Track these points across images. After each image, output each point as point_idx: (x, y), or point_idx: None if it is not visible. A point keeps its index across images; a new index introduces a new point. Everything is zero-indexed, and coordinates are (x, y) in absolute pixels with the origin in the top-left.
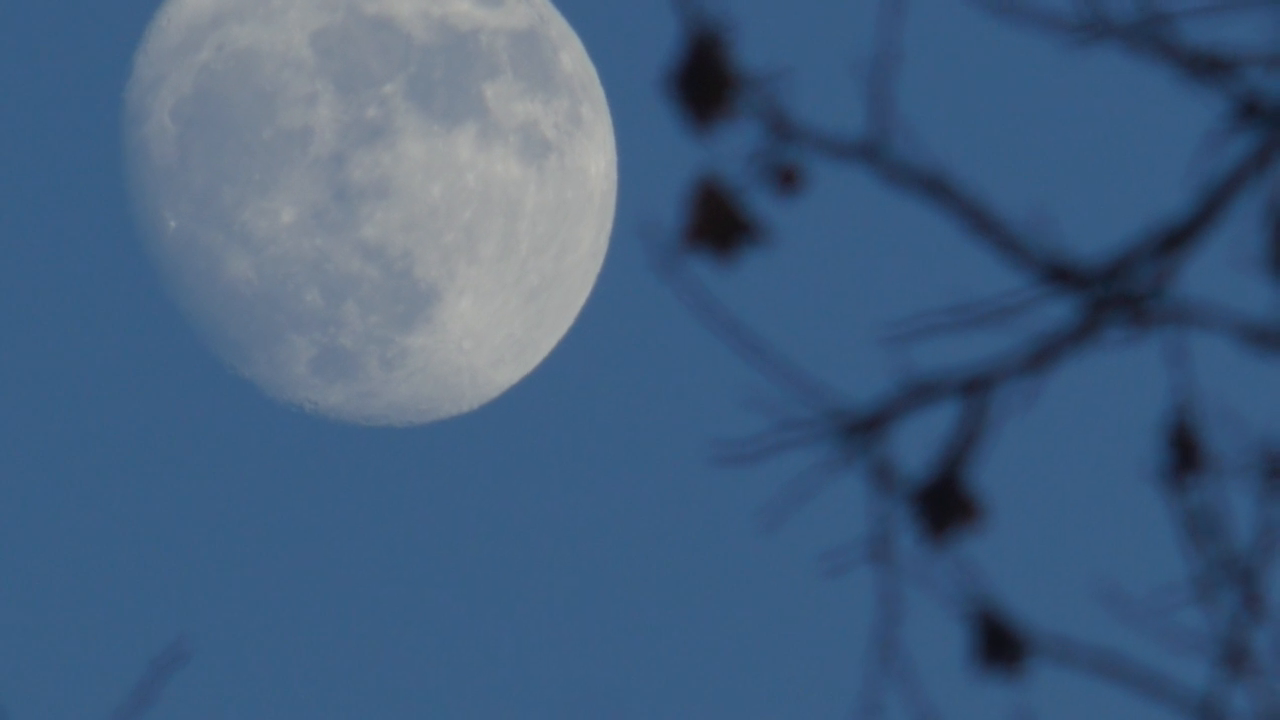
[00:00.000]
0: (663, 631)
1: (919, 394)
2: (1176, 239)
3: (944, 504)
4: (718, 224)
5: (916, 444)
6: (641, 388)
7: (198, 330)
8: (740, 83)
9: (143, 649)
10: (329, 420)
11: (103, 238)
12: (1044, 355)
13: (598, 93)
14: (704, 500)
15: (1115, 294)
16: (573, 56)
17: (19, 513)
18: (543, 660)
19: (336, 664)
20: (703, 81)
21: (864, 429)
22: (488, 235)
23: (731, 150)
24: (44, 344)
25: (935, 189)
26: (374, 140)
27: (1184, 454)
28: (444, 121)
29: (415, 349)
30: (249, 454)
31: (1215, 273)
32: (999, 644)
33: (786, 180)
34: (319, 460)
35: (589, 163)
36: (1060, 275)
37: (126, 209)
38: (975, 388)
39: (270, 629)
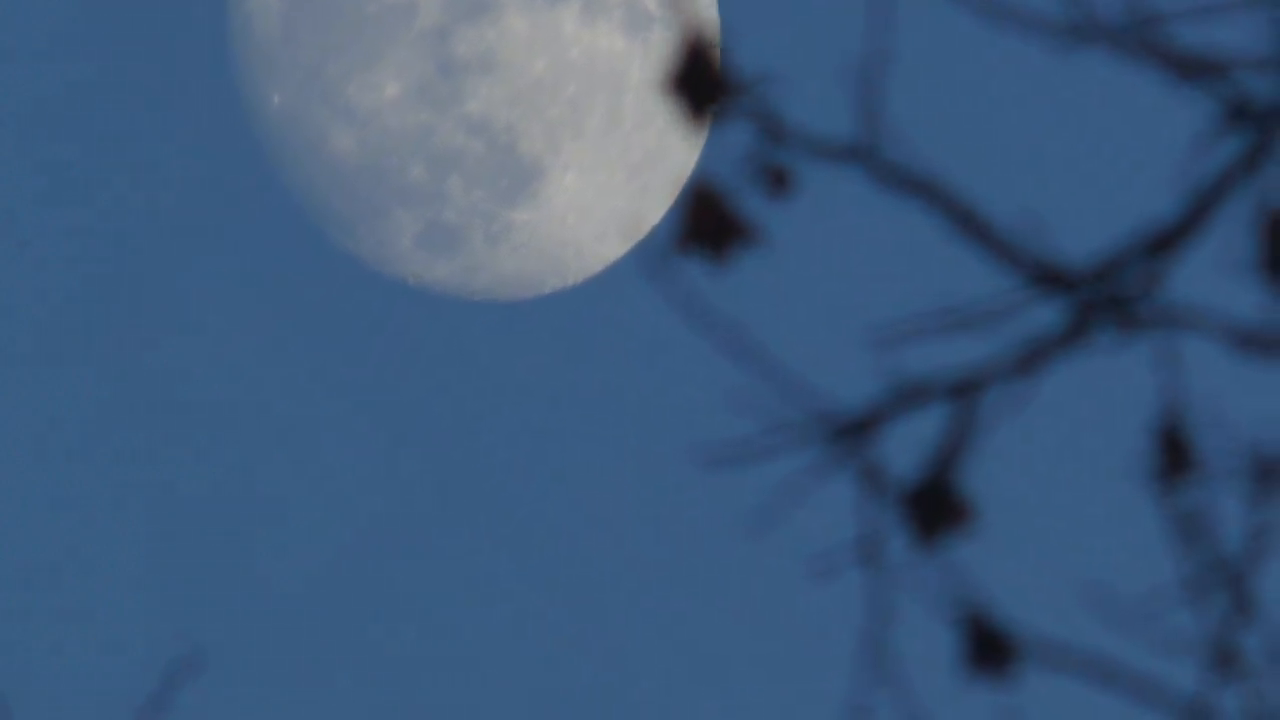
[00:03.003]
0: (648, 634)
1: (908, 397)
2: (1165, 242)
3: (934, 507)
4: (712, 227)
5: (906, 447)
6: (627, 388)
7: (302, 205)
8: (733, 85)
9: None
10: (434, 294)
11: (207, 114)
12: (1033, 358)
13: None
14: (691, 503)
15: (1104, 297)
16: None
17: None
18: (533, 662)
19: (444, 532)
20: (697, 84)
21: (853, 432)
22: (592, 110)
23: (724, 154)
24: (149, 220)
25: (924, 192)
26: (478, 15)
27: (1174, 456)
28: None
29: (520, 223)
30: (354, 328)
31: (1204, 276)
32: (988, 647)
33: (778, 183)
34: (424, 333)
35: None
36: (1049, 278)
37: (230, 85)
38: (964, 390)
39: (373, 490)
